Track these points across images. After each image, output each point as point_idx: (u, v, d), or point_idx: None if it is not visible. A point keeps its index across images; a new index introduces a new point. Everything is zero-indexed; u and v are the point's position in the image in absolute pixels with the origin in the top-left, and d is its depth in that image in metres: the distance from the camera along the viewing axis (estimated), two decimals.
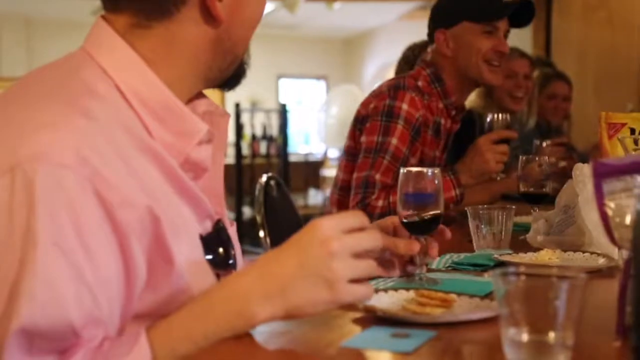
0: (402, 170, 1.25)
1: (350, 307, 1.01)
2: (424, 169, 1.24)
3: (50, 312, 0.80)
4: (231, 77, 1.09)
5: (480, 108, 3.11)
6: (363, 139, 2.14)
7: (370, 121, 2.15)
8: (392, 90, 2.17)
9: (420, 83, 2.21)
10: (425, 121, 2.16)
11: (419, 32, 2.65)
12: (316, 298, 0.88)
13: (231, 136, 7.01)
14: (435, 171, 1.24)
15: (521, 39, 5.70)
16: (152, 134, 0.95)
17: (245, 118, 7.34)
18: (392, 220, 1.27)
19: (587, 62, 5.31)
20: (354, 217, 0.91)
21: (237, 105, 7.05)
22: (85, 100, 0.89)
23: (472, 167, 2.12)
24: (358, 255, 0.89)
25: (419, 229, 1.24)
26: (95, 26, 1.00)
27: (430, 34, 2.28)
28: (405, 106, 2.12)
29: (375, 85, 2.36)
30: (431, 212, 1.22)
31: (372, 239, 0.91)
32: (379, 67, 9.84)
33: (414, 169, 1.24)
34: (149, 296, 0.91)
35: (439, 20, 2.23)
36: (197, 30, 0.99)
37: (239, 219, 6.80)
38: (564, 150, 3.03)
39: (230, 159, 7.07)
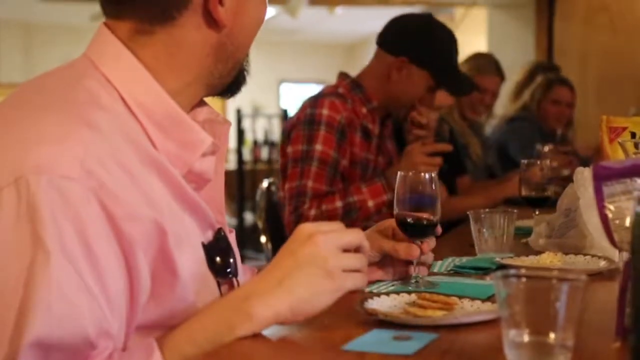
0: (400, 174, 1.25)
1: (351, 310, 1.02)
2: (421, 174, 1.24)
3: (67, 324, 0.80)
4: (231, 84, 1.08)
5: (444, 112, 3.16)
6: (289, 149, 2.15)
7: (294, 131, 2.16)
8: (311, 100, 2.20)
9: (340, 90, 2.25)
10: (351, 122, 2.18)
11: None
12: (317, 287, 0.90)
13: (233, 142, 7.00)
14: (433, 175, 1.24)
15: (524, 43, 5.71)
16: (156, 145, 0.95)
17: (246, 123, 7.34)
18: (390, 223, 1.27)
19: (589, 66, 5.30)
20: (334, 223, 0.97)
21: (239, 111, 7.06)
22: (90, 111, 0.89)
23: None
24: (345, 250, 0.94)
25: (415, 232, 1.24)
26: (98, 33, 1.00)
27: (388, 47, 2.29)
28: (325, 111, 2.13)
29: None
30: (427, 216, 1.23)
31: (354, 234, 0.96)
32: None
33: (411, 173, 1.24)
34: (152, 308, 0.91)
35: (409, 51, 2.23)
36: (199, 35, 0.99)
37: (240, 224, 6.80)
38: (567, 157, 3.04)
39: (232, 165, 7.07)
